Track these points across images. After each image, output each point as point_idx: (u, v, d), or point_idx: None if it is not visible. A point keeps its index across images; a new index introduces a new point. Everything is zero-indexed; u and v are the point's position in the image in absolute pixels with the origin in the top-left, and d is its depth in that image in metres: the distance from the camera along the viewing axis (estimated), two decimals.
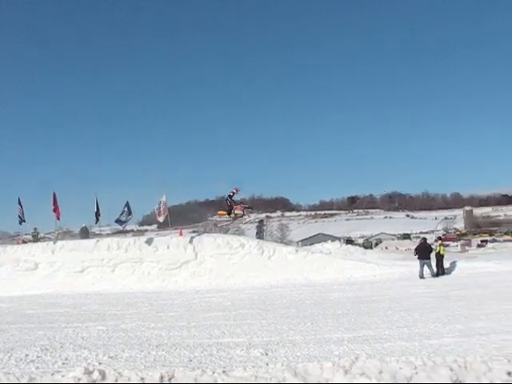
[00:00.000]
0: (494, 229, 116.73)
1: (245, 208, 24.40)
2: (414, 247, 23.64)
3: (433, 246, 22.98)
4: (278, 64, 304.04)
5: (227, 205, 24.04)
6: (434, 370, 5.96)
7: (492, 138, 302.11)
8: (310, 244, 39.84)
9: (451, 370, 5.95)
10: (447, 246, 30.43)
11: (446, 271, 21.90)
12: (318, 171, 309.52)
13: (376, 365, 6.17)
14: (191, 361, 7.95)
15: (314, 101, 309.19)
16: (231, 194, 24.13)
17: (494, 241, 65.62)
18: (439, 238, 25.87)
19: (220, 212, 25.31)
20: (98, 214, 26.66)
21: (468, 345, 8.14)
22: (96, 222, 27.41)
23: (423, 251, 21.64)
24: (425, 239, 24.00)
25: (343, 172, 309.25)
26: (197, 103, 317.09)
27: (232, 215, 24.12)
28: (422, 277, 20.77)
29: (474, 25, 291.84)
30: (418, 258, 21.49)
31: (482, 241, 65.60)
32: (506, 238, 79.05)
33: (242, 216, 24.66)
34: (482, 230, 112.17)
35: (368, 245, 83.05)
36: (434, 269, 21.41)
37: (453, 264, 23.06)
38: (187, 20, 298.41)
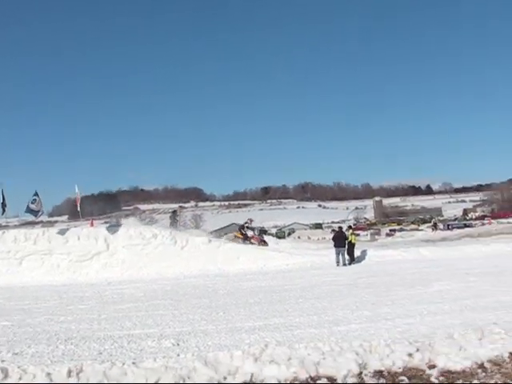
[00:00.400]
0: (401, 218, 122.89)
1: (261, 241, 27.48)
2: (331, 236, 24.50)
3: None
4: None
5: (242, 233, 27.26)
6: (340, 355, 6.22)
7: (401, 131, 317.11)
8: (224, 234, 40.00)
9: (357, 353, 6.24)
10: (358, 235, 31.68)
11: (356, 259, 22.78)
12: (232, 161, 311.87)
13: (285, 352, 6.35)
14: (101, 354, 7.80)
15: (224, 89, 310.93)
16: (247, 224, 27.99)
17: (401, 230, 69.10)
18: (350, 228, 26.80)
19: (237, 234, 27.87)
20: (3, 205, 25.32)
21: (374, 330, 8.54)
22: (2, 214, 26.05)
23: (339, 240, 22.41)
24: (340, 228, 24.82)
25: (257, 162, 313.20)
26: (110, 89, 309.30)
27: (247, 242, 26.67)
28: (338, 264, 21.54)
29: None
30: (335, 246, 22.21)
31: (390, 230, 68.85)
32: (413, 227, 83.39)
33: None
34: (391, 220, 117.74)
35: (281, 234, 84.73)
36: (347, 257, 22.25)
37: (363, 252, 24.02)
38: None
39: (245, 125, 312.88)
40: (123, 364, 6.41)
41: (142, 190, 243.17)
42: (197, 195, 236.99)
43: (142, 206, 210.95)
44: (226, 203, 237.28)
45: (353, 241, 23.06)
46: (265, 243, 27.18)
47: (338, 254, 21.98)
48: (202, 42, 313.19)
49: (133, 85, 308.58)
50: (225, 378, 6.09)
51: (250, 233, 27.60)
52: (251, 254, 23.30)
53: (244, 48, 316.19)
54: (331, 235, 28.44)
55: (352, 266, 21.56)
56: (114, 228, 24.69)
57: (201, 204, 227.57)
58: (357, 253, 23.39)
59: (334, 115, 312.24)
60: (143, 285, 17.74)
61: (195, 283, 17.62)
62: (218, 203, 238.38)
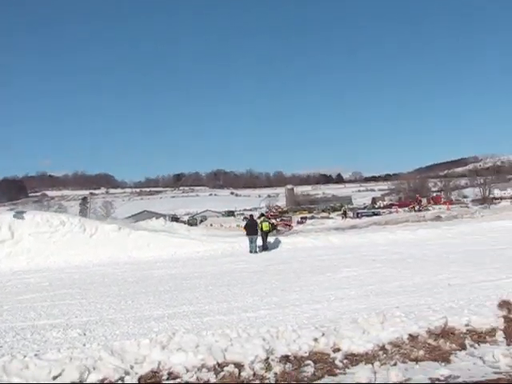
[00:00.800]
0: (312, 206, 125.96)
1: (285, 225, 30.86)
2: (243, 225, 24.76)
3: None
4: None
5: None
6: (247, 341, 6.35)
7: (314, 121, 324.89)
8: (135, 221, 39.34)
9: (264, 339, 6.40)
10: (272, 223, 32.25)
11: (268, 247, 23.19)
12: (143, 148, 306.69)
13: (193, 339, 6.40)
14: (1, 347, 7.49)
15: (133, 74, 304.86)
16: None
17: (312, 218, 70.94)
18: (262, 215, 27.25)
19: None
20: None
21: (282, 316, 8.77)
22: None
23: (251, 227, 22.69)
24: (251, 216, 25.12)
25: (169, 149, 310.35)
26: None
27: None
28: (251, 252, 21.81)
29: None
30: (247, 234, 22.45)
31: (301, 218, 70.41)
32: (323, 215, 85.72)
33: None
34: (302, 208, 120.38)
35: (193, 222, 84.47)
36: (259, 244, 22.60)
37: (275, 240, 24.49)
38: None
39: (157, 111, 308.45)
40: (24, 357, 6.20)
41: (50, 176, 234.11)
42: (107, 182, 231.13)
43: (51, 193, 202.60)
44: (138, 190, 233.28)
45: (264, 228, 23.40)
46: (290, 227, 27.88)
47: (250, 241, 22.26)
48: None
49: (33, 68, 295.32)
50: (131, 367, 6.05)
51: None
52: (162, 241, 23.12)
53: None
54: (243, 223, 28.77)
55: (264, 253, 21.90)
56: (19, 215, 23.59)
57: (112, 191, 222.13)
58: (269, 240, 23.80)
59: (247, 104, 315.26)
60: (50, 274, 17.18)
61: (104, 271, 17.27)
62: (129, 190, 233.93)
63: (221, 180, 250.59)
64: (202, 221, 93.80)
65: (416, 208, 70.85)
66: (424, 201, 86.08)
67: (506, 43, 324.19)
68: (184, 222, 69.48)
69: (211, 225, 67.19)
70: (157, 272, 16.57)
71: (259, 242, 22.70)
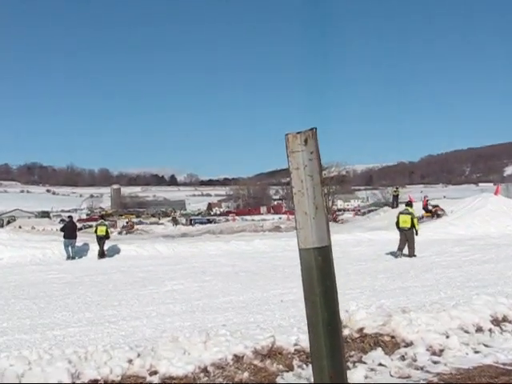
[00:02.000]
0: (141, 210, 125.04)
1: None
2: (61, 227, 24.01)
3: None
4: None
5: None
6: (50, 364, 6.08)
7: (147, 119, 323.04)
8: None
9: (69, 362, 6.17)
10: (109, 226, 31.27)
11: (82, 255, 22.55)
12: None
13: None
14: None
15: None
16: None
17: (140, 223, 70.23)
18: (102, 217, 26.62)
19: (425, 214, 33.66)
20: None
21: (95, 334, 8.57)
22: None
23: (69, 230, 22.03)
24: (71, 217, 24.34)
25: None
26: None
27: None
28: (68, 258, 21.20)
29: None
30: (64, 237, 21.79)
31: (127, 222, 69.37)
32: (153, 220, 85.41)
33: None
34: (129, 211, 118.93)
35: None
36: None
37: (88, 247, 23.90)
38: None
39: None
40: None
41: None
42: None
43: None
44: None
45: (99, 233, 22.73)
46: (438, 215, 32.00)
47: (66, 245, 21.67)
48: None
49: None
50: None
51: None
52: None
53: None
54: (60, 226, 27.75)
55: (80, 261, 21.37)
56: None
57: None
58: (91, 247, 23.18)
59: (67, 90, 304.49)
60: None
61: None
62: None
63: (35, 175, 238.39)
64: (9, 222, 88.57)
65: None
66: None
67: None
68: None
69: (20, 227, 63.71)
70: None
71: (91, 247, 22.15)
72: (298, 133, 2.74)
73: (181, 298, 12.24)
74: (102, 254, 22.28)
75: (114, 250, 23.62)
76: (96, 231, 23.03)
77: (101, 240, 22.77)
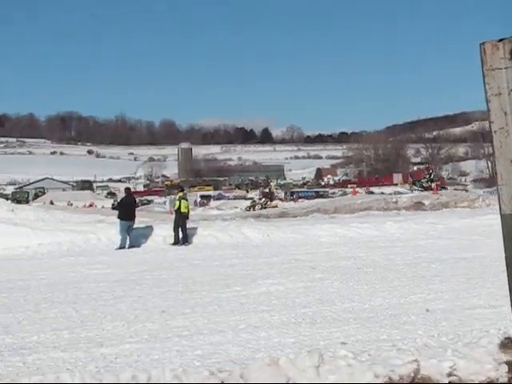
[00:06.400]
0: (221, 179, 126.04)
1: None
2: (115, 202, 24.62)
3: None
4: None
5: None
6: None
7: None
8: None
9: None
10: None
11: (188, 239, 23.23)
12: None
13: None
14: None
15: None
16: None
17: (219, 197, 71.09)
18: (181, 189, 26.99)
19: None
20: None
21: (160, 352, 8.73)
22: None
23: (128, 208, 22.49)
24: (128, 189, 24.87)
25: None
26: None
27: None
28: (123, 247, 21.74)
29: None
30: (120, 217, 22.25)
31: (202, 196, 70.41)
32: (238, 193, 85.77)
33: None
34: (205, 181, 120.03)
35: (21, 197, 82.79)
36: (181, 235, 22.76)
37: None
38: None
39: None
40: None
41: None
42: None
43: None
44: None
45: (183, 209, 23.31)
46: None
47: (124, 229, 22.09)
48: None
49: None
50: None
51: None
52: None
53: None
54: (110, 201, 28.57)
55: (137, 250, 21.86)
56: None
57: None
58: (142, 232, 23.74)
59: None
60: None
61: None
62: None
63: (72, 129, 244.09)
64: (37, 195, 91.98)
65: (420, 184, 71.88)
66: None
67: None
68: (5, 197, 67.68)
69: (52, 202, 65.90)
70: None
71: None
72: (501, 40, 2.48)
73: (280, 303, 12.28)
74: (180, 240, 22.81)
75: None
76: (179, 208, 23.43)
77: (183, 220, 23.35)
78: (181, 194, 24.76)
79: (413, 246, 21.40)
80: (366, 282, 14.58)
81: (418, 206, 45.77)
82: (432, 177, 77.10)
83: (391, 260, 18.15)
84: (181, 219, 23.53)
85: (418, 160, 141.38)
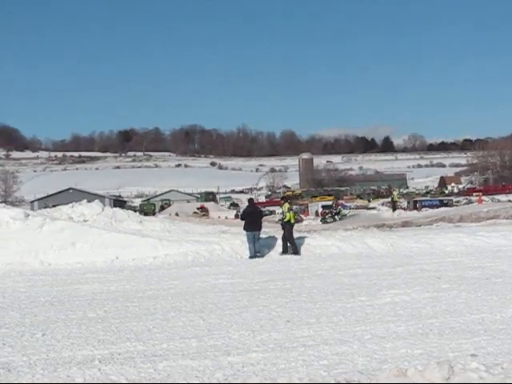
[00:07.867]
0: (343, 189, 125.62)
1: None
2: (239, 212, 25.01)
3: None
4: None
5: None
6: None
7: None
8: (53, 206, 39.45)
9: None
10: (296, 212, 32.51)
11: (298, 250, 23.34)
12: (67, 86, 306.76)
13: None
14: None
15: None
16: None
17: (341, 208, 70.76)
18: (286, 199, 27.18)
19: None
20: None
21: (286, 362, 8.75)
22: None
23: (254, 218, 22.74)
24: (252, 200, 25.18)
25: (109, 92, 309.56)
26: None
27: None
28: (254, 256, 22.00)
29: None
30: (246, 228, 22.52)
31: (323, 207, 70.19)
32: (360, 203, 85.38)
33: None
34: (326, 191, 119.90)
35: (149, 208, 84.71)
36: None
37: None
38: None
39: None
40: None
41: None
42: (8, 139, 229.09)
43: None
44: (60, 155, 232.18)
45: (291, 220, 23.56)
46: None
47: (250, 240, 22.33)
48: None
49: None
50: None
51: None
52: (96, 239, 23.09)
53: None
54: (234, 211, 28.95)
55: (260, 261, 21.98)
56: None
57: (16, 155, 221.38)
58: (264, 243, 23.92)
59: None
60: None
61: None
62: (45, 154, 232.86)
63: (195, 142, 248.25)
64: (163, 207, 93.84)
65: None
66: None
67: None
68: (134, 209, 69.39)
69: (177, 214, 67.09)
70: (86, 288, 16.60)
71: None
72: None
73: (406, 313, 12.15)
74: (295, 251, 22.99)
75: (306, 247, 24.05)
76: (287, 218, 23.66)
77: (291, 229, 23.49)
78: (288, 205, 24.90)
79: None
80: (495, 292, 14.28)
81: None
82: None
83: None
84: (290, 229, 23.62)
85: None
